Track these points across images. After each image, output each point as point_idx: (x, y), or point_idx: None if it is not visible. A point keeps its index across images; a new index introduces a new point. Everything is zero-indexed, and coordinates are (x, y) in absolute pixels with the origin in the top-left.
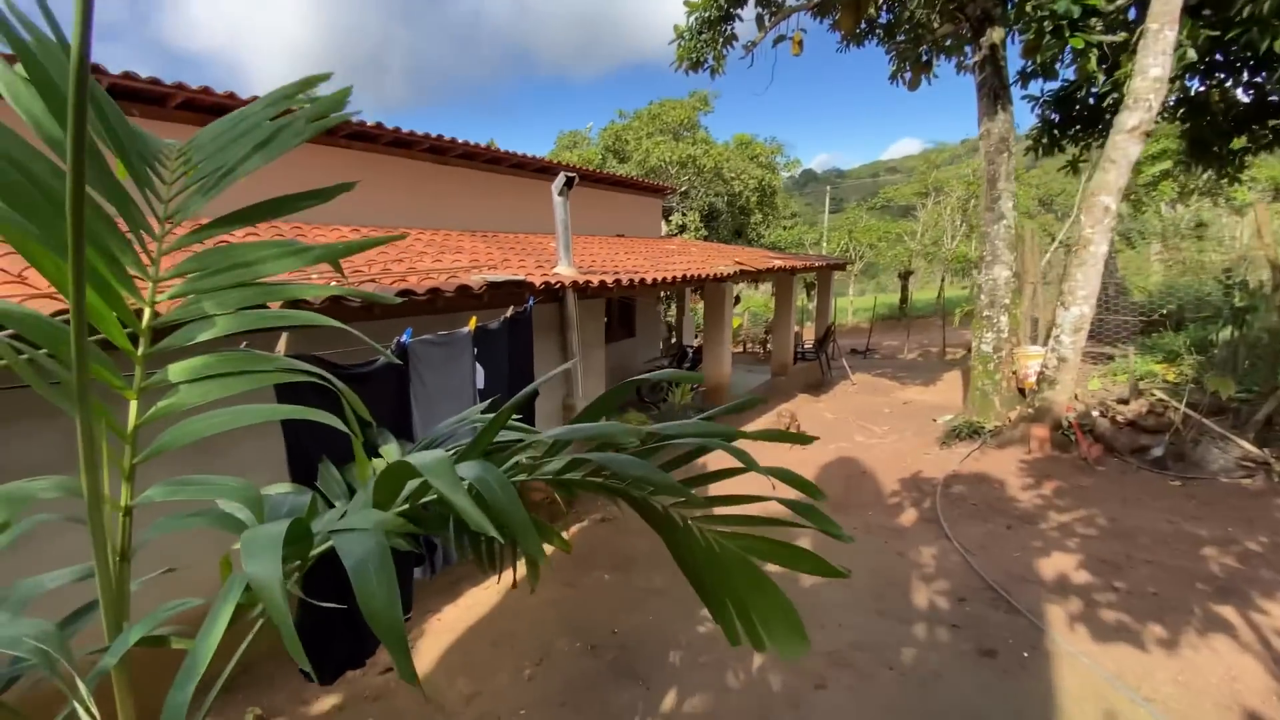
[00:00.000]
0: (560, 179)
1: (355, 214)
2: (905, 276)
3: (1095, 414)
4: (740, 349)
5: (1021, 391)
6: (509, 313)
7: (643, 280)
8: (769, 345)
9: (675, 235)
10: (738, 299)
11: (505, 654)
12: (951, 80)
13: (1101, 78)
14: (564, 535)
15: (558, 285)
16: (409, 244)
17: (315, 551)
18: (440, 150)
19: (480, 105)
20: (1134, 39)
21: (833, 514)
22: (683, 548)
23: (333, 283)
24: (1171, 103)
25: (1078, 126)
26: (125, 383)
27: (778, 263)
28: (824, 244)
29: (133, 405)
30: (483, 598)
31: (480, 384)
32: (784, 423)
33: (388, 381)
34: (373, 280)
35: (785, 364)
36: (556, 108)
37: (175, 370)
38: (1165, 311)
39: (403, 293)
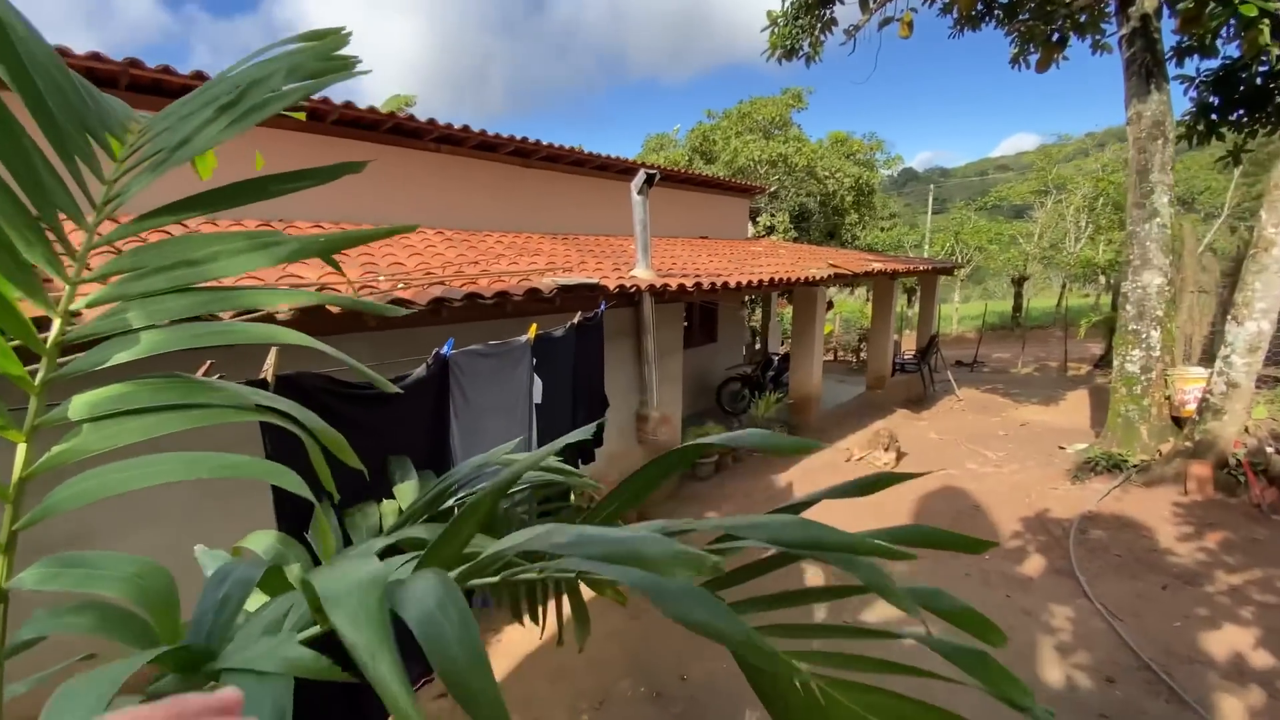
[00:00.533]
0: (640, 176)
1: (439, 217)
2: (1019, 282)
3: (1270, 450)
4: (830, 357)
5: (1176, 421)
6: (576, 318)
7: (725, 284)
8: (862, 353)
9: (763, 237)
10: (830, 304)
11: (563, 691)
12: (1079, 65)
13: (1277, 51)
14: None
15: (633, 288)
16: (488, 246)
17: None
18: (525, 153)
19: (574, 112)
20: None
21: (938, 554)
22: (771, 691)
23: (323, 288)
24: None
25: (1241, 110)
26: (11, 420)
27: (877, 265)
28: (926, 246)
29: (20, 449)
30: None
31: (538, 398)
32: (882, 444)
33: (420, 401)
34: (441, 283)
35: (882, 376)
36: (647, 112)
37: (77, 404)
38: None
39: (469, 296)
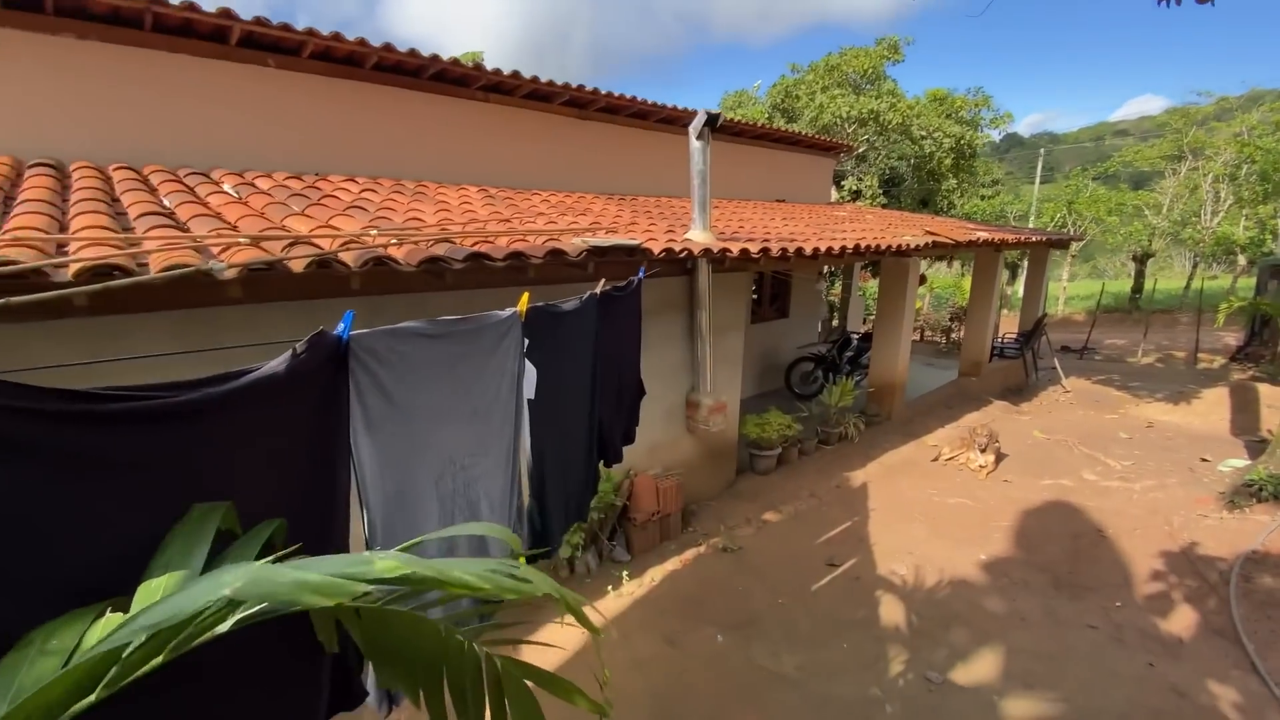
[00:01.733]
0: (700, 117)
1: (484, 173)
2: (1142, 260)
3: None
4: (917, 337)
5: None
6: (599, 288)
7: (799, 251)
8: (953, 334)
9: (847, 202)
10: (923, 278)
11: None
12: (1219, 22)
13: None
14: (678, 560)
15: (683, 253)
16: (531, 205)
17: None
18: (580, 104)
19: (655, 75)
20: None
21: (1053, 592)
22: None
23: (293, 244)
24: None
25: None
26: None
27: (982, 234)
28: (1032, 217)
29: None
30: (563, 638)
31: (530, 393)
32: (978, 443)
33: (277, 410)
34: (448, 240)
35: (979, 362)
36: (732, 74)
37: None
38: None
39: (474, 257)
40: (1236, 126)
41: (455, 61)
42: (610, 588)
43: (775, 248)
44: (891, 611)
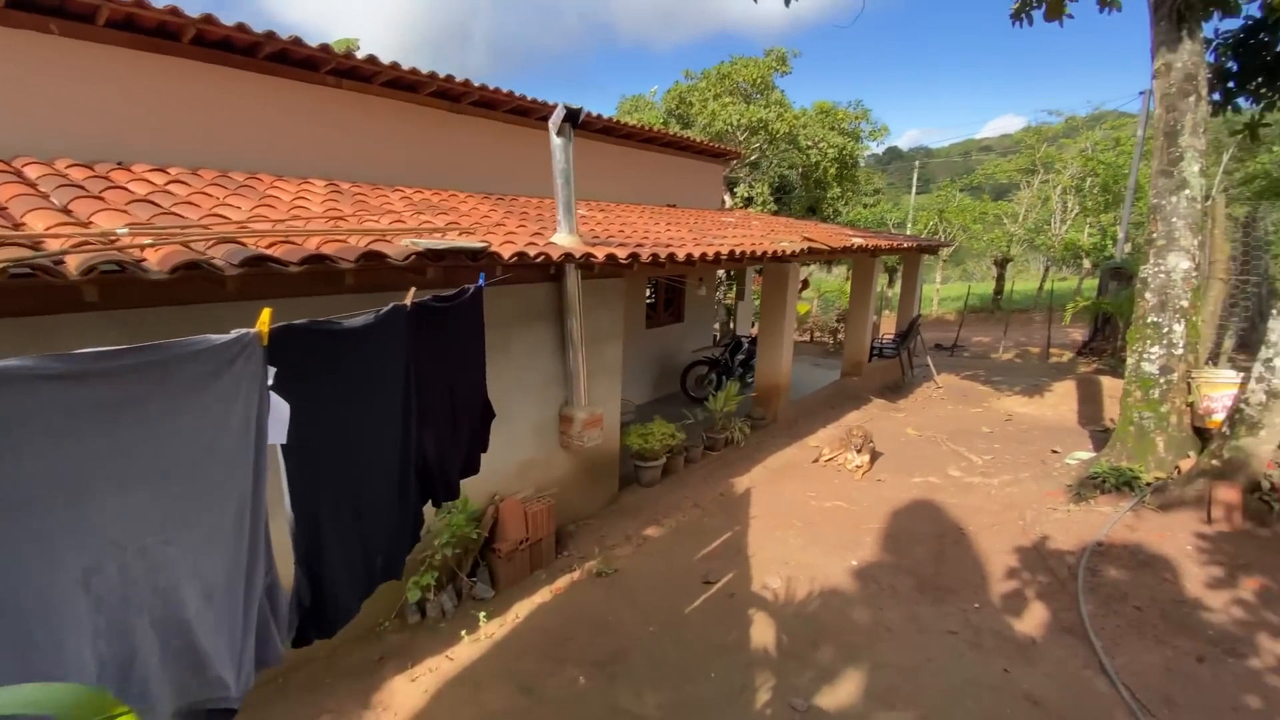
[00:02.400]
0: (559, 112)
1: (339, 167)
2: (1002, 264)
3: None
4: (807, 338)
5: (1199, 432)
6: (408, 299)
7: (672, 256)
8: (840, 335)
9: (740, 208)
10: (806, 283)
11: None
12: (1069, 44)
13: None
14: (548, 590)
15: (540, 258)
16: (384, 202)
17: None
18: (452, 96)
19: (558, 75)
20: None
21: (918, 597)
22: None
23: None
24: None
25: (1260, 79)
26: None
27: (858, 241)
28: (909, 224)
29: None
30: (430, 681)
31: (280, 437)
32: (854, 443)
33: None
34: (234, 241)
35: (859, 362)
36: (635, 77)
37: None
38: None
39: (257, 260)
40: (1082, 143)
41: (297, 41)
42: (465, 632)
43: (647, 253)
44: (762, 632)
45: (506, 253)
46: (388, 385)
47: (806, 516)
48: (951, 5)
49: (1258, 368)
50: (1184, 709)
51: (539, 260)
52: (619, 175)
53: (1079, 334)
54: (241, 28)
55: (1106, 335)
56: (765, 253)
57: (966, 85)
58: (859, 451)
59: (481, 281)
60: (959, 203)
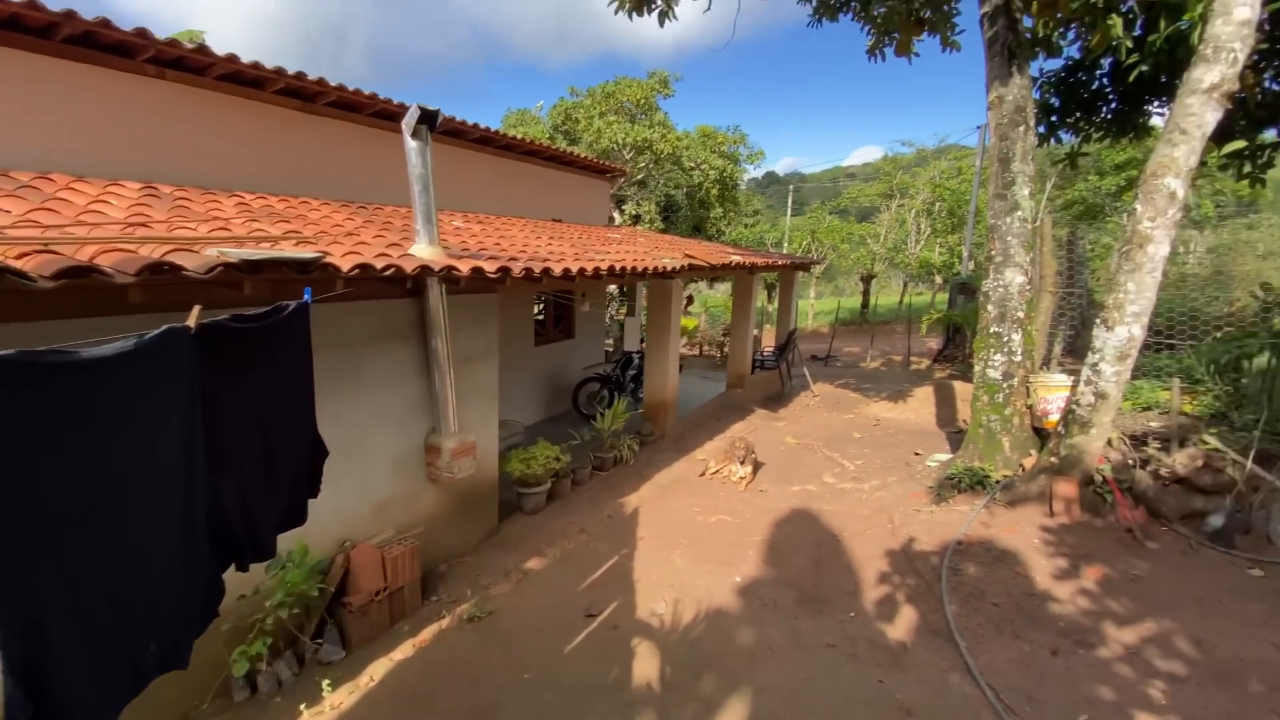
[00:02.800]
0: (413, 113)
1: (164, 168)
2: (867, 280)
3: (1135, 466)
4: (696, 352)
5: (1038, 431)
6: (191, 320)
7: (547, 271)
8: (726, 348)
9: (628, 225)
10: (691, 299)
11: None
12: (921, 82)
13: (1129, 45)
14: (411, 644)
15: (389, 270)
16: (212, 207)
17: None
18: (305, 95)
19: (446, 86)
20: None
21: (798, 610)
22: None
23: None
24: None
25: (1078, 114)
26: None
27: (736, 258)
28: (786, 244)
29: None
30: None
31: None
32: (738, 455)
33: None
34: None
35: (742, 374)
36: (525, 92)
37: None
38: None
39: None
40: (930, 171)
41: (106, 23)
42: (305, 705)
43: (520, 267)
44: (645, 665)
45: (347, 265)
46: (159, 429)
47: (693, 533)
48: (821, 41)
49: (1086, 372)
50: (1044, 704)
51: (389, 273)
52: (503, 188)
53: (934, 343)
54: (33, 4)
55: (957, 344)
56: (647, 269)
57: (835, 117)
58: (743, 463)
59: (307, 297)
60: (828, 224)
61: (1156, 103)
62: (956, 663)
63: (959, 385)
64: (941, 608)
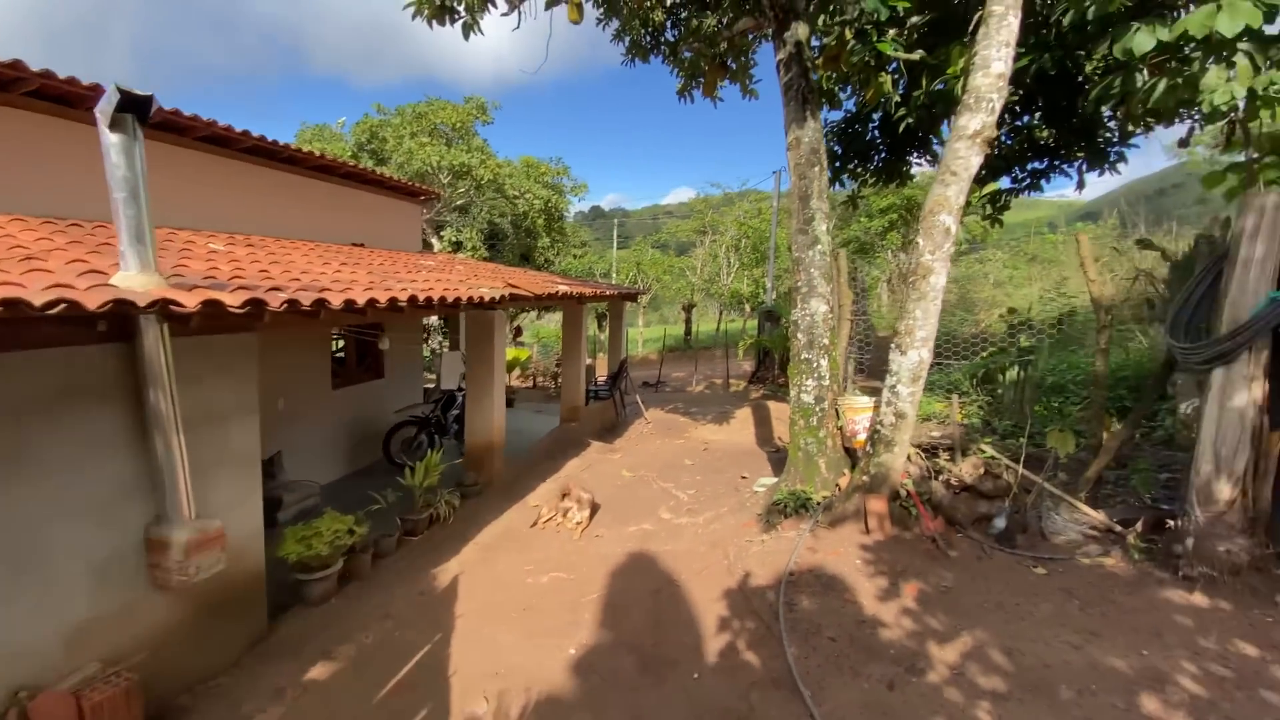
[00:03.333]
0: (110, 96)
1: None
2: (689, 309)
3: (932, 478)
4: (529, 384)
5: (849, 451)
6: None
7: (322, 301)
8: (560, 380)
9: (447, 252)
10: (520, 330)
11: None
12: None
13: (897, 100)
14: None
15: (56, 308)
16: None
17: None
18: None
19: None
20: (972, 25)
21: (639, 680)
22: None
23: None
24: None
25: (856, 161)
26: None
27: (563, 288)
28: (614, 275)
29: None
30: None
31: None
32: (575, 498)
33: None
34: None
35: (576, 407)
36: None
37: None
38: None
39: None
40: (736, 211)
41: None
42: None
43: (282, 299)
44: None
45: None
46: None
47: (524, 599)
48: (640, 86)
49: (885, 394)
50: None
51: (59, 312)
52: (288, 208)
53: (748, 365)
54: None
55: (767, 366)
56: (460, 298)
57: (654, 158)
58: (578, 507)
59: None
60: (651, 257)
61: (916, 154)
62: (803, 714)
63: (773, 405)
64: (783, 651)
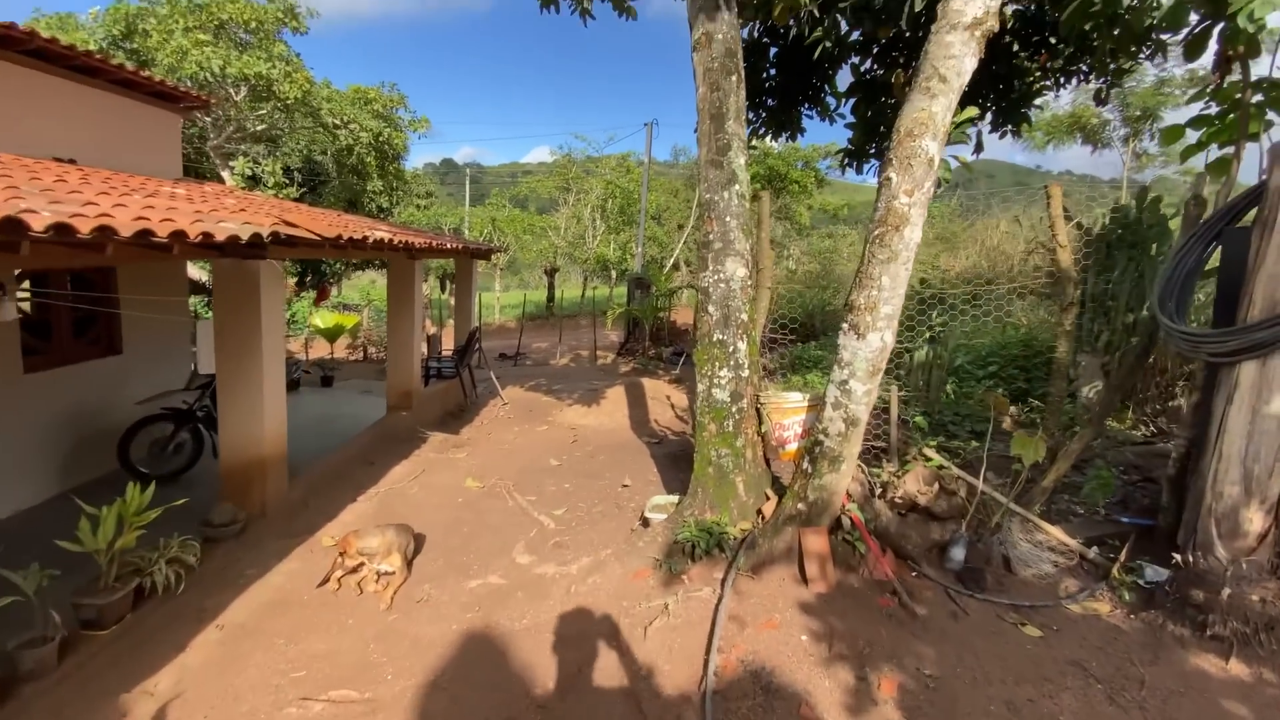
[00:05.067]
0: None
1: None
2: (551, 274)
3: (874, 495)
4: (360, 357)
5: (768, 462)
6: None
7: None
8: None
9: (242, 189)
10: (324, 291)
11: None
12: (595, 83)
13: (814, 13)
14: None
15: None
16: None
17: None
18: None
19: None
20: None
21: None
22: None
23: None
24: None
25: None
26: None
27: (382, 234)
28: (466, 231)
29: None
30: None
31: None
32: (387, 544)
33: None
34: None
35: (408, 391)
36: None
37: None
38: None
39: None
40: (603, 169)
41: None
42: None
43: None
44: None
45: None
46: None
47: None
48: (503, 36)
49: (833, 391)
50: None
51: None
52: None
53: (616, 336)
54: None
55: (636, 337)
56: (187, 234)
57: (513, 117)
58: (390, 552)
59: None
60: (509, 214)
61: (805, 105)
62: None
63: (647, 383)
64: None
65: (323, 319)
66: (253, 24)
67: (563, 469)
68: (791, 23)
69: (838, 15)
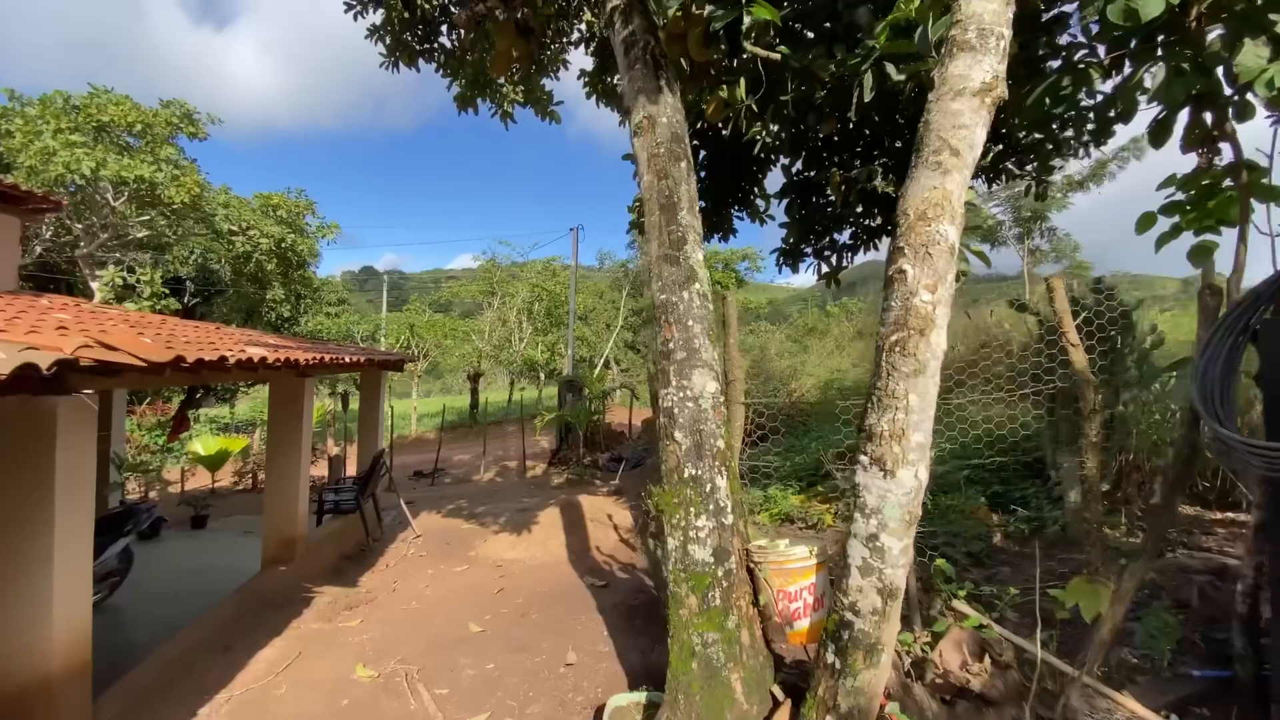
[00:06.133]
0: None
1: None
2: (474, 378)
3: (911, 679)
4: (249, 485)
5: (768, 642)
6: None
7: None
8: (332, 453)
9: (109, 302)
10: (184, 421)
11: None
12: (520, 191)
13: (753, 108)
14: None
15: None
16: None
17: None
18: None
19: None
20: None
21: None
22: None
23: None
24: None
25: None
26: None
27: (257, 351)
28: (382, 339)
29: None
30: None
31: None
32: None
33: None
34: None
35: (291, 539)
36: None
37: None
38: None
39: None
40: (529, 272)
41: None
42: None
43: None
44: None
45: None
46: None
47: None
48: (423, 148)
49: (857, 550)
50: None
51: None
52: None
53: (547, 442)
54: None
55: (570, 444)
56: None
57: (436, 224)
58: None
59: None
60: (429, 319)
61: (735, 207)
62: None
63: (584, 499)
64: None
65: (204, 445)
66: (138, 127)
67: (486, 638)
68: (725, 121)
69: (780, 108)
